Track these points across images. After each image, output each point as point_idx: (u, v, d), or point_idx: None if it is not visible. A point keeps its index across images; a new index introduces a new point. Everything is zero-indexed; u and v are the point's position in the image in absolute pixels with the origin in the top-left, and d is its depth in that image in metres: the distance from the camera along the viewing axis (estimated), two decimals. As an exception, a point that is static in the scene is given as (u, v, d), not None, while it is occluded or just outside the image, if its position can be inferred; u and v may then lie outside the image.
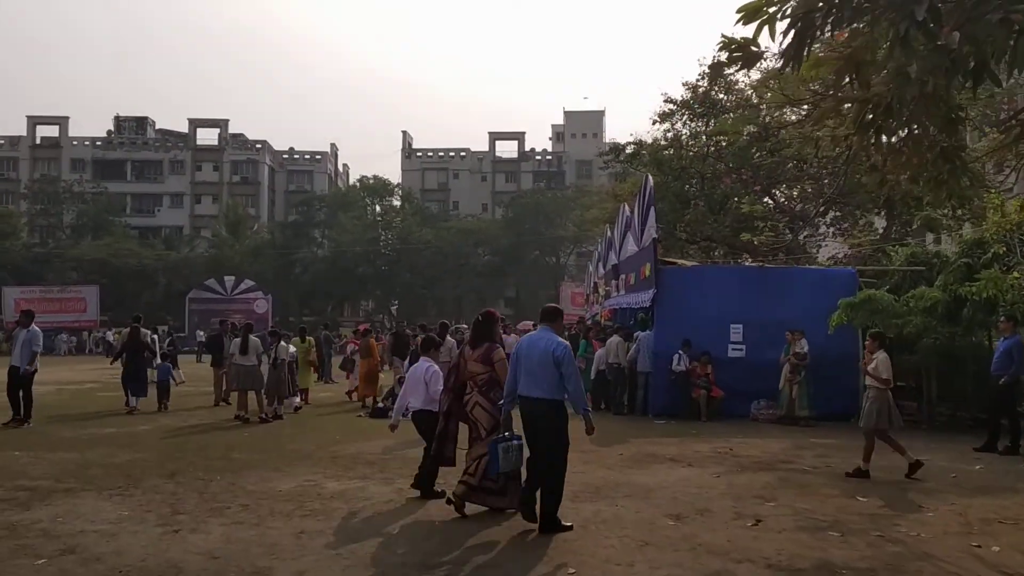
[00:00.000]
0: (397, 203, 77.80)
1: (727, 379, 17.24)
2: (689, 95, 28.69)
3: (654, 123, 29.35)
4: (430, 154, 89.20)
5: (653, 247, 17.94)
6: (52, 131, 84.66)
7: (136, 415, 16.91)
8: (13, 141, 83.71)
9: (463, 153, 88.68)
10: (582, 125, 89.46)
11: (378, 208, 77.32)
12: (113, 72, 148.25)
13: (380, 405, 17.47)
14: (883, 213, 22.85)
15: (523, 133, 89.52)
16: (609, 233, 30.01)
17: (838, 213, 25.89)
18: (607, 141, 37.28)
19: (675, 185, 27.58)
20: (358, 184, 78.87)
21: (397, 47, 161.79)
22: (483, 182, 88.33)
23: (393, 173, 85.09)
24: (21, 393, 15.04)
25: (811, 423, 16.14)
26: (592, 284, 40.78)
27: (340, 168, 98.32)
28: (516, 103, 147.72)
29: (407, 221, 71.74)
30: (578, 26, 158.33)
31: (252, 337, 16.25)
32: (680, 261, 20.05)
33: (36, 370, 15.17)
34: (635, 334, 18.69)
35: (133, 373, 17.56)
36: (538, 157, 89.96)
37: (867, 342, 11.20)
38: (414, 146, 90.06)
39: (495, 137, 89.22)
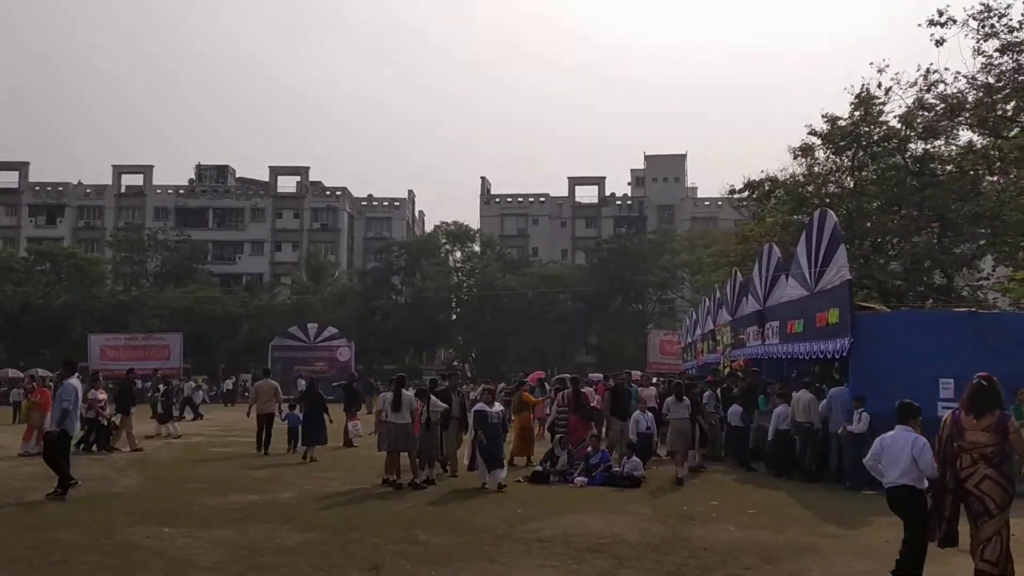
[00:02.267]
0: (477, 249, 76.51)
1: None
2: (827, 128, 26.57)
3: (795, 157, 27.26)
4: (509, 199, 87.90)
5: (847, 290, 15.76)
6: (136, 180, 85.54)
7: (268, 474, 15.24)
8: (99, 190, 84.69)
9: (542, 198, 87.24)
10: (663, 169, 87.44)
11: (458, 254, 76.04)
12: (194, 121, 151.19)
13: (539, 468, 15.46)
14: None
15: (603, 178, 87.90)
16: (739, 277, 27.92)
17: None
18: (730, 185, 35.14)
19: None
20: (438, 230, 77.66)
21: (478, 92, 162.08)
22: (563, 227, 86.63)
23: (469, 219, 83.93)
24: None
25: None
26: (701, 332, 38.62)
27: (417, 215, 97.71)
28: (595, 148, 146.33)
29: (489, 267, 70.21)
30: (664, 69, 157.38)
31: (405, 392, 14.44)
32: (873, 306, 17.76)
33: (64, 431, 12.83)
34: (824, 389, 16.47)
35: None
36: (618, 202, 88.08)
37: None
38: (492, 191, 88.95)
39: (575, 182, 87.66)
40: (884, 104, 25.16)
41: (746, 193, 30.35)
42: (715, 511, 11.99)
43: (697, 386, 19.19)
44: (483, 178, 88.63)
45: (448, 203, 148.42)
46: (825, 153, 26.47)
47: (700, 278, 53.82)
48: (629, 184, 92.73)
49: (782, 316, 20.91)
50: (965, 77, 20.94)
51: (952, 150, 24.11)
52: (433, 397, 15.00)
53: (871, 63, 32.00)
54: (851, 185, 26.37)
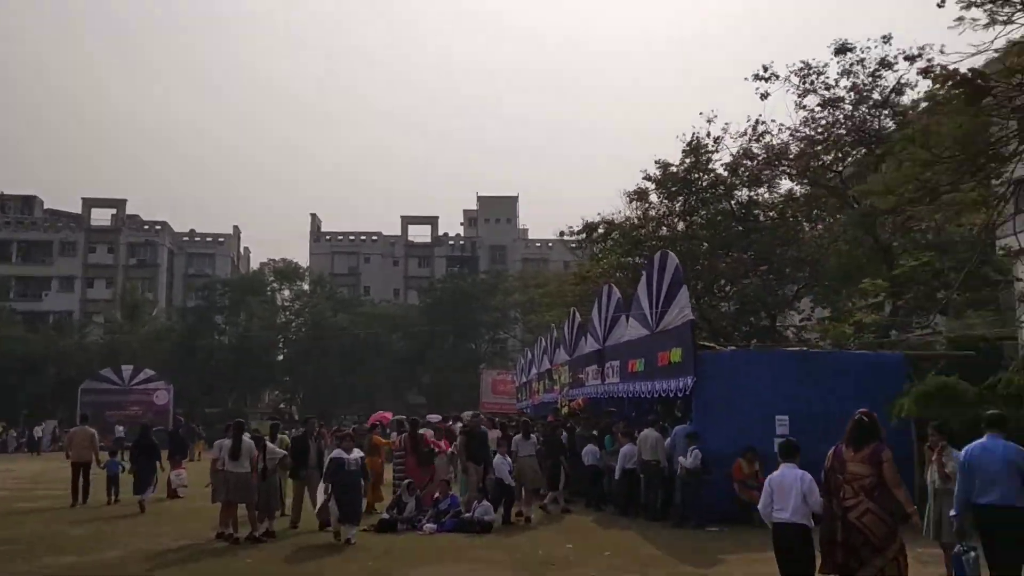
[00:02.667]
0: (306, 287, 74.50)
1: (773, 477, 15.40)
2: (660, 173, 27.54)
3: (630, 201, 28.02)
4: (340, 237, 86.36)
5: (690, 329, 16.14)
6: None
7: (89, 531, 13.87)
8: None
9: (374, 236, 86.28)
10: (496, 210, 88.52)
11: (287, 292, 73.79)
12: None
13: (386, 516, 14.83)
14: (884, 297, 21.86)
15: (436, 217, 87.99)
16: (577, 317, 28.30)
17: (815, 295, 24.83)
18: (569, 226, 35.67)
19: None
20: (265, 267, 75.21)
21: (304, 125, 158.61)
22: (395, 266, 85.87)
23: (298, 257, 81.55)
24: None
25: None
26: (537, 372, 38.93)
27: (242, 251, 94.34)
28: (428, 187, 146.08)
29: (319, 306, 68.48)
30: (490, 112, 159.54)
31: (245, 439, 13.53)
32: (713, 345, 18.28)
33: None
34: (668, 428, 16.74)
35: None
36: (451, 242, 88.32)
37: (933, 436, 9.41)
38: (323, 229, 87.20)
39: (407, 221, 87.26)
40: (713, 152, 26.35)
41: (583, 235, 30.87)
42: (571, 555, 11.81)
43: (559, 428, 18.96)
44: (313, 215, 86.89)
45: (276, 240, 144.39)
46: (658, 197, 27.37)
47: (534, 317, 54.41)
48: (462, 224, 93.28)
49: (623, 355, 21.25)
50: (788, 129, 22.23)
51: (775, 198, 25.48)
52: (270, 444, 14.17)
53: (701, 113, 33.56)
54: (682, 229, 27.33)
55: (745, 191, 26.89)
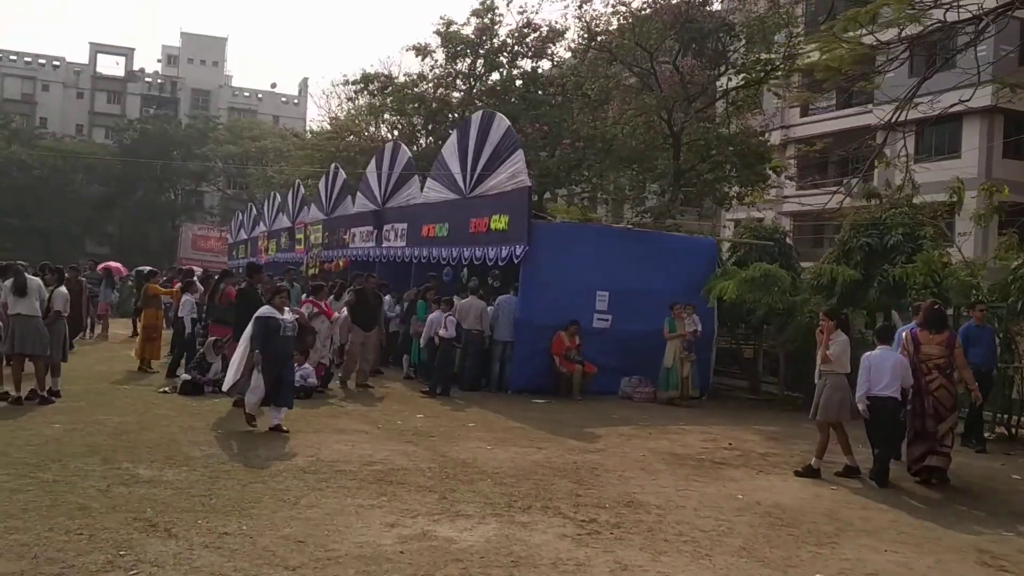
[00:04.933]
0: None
1: (590, 352, 15.38)
2: (443, 29, 26.01)
3: (421, 56, 26.13)
4: (12, 57, 74.48)
5: (527, 197, 15.33)
6: None
7: None
8: None
9: (56, 62, 75.39)
10: (201, 51, 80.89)
11: (-57, 114, 62.84)
12: None
13: (188, 377, 12.81)
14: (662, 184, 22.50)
15: (132, 49, 78.87)
16: (340, 174, 26.44)
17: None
18: (343, 75, 32.86)
19: (438, 129, 24.92)
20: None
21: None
22: (79, 99, 75.93)
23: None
24: None
25: (698, 404, 14.97)
26: (267, 229, 36.55)
27: None
28: (122, 12, 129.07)
29: (-10, 133, 59.12)
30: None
31: (30, 276, 10.89)
32: (545, 216, 17.58)
33: None
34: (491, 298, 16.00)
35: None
36: (148, 79, 79.56)
37: (823, 321, 9.79)
38: (-10, 45, 74.80)
39: (97, 49, 77.14)
40: (502, 16, 25.26)
41: (359, 85, 28.58)
42: (434, 427, 10.85)
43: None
44: (-22, 26, 74.13)
45: None
46: (444, 56, 25.86)
47: (255, 171, 50.47)
48: (159, 61, 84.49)
49: (413, 219, 20.09)
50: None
51: (566, 71, 24.95)
52: (62, 289, 11.59)
53: None
54: (462, 93, 26.20)
55: (528, 62, 26.18)
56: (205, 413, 10.83)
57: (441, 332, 14.56)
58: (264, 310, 9.89)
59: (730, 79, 21.95)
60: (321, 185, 28.08)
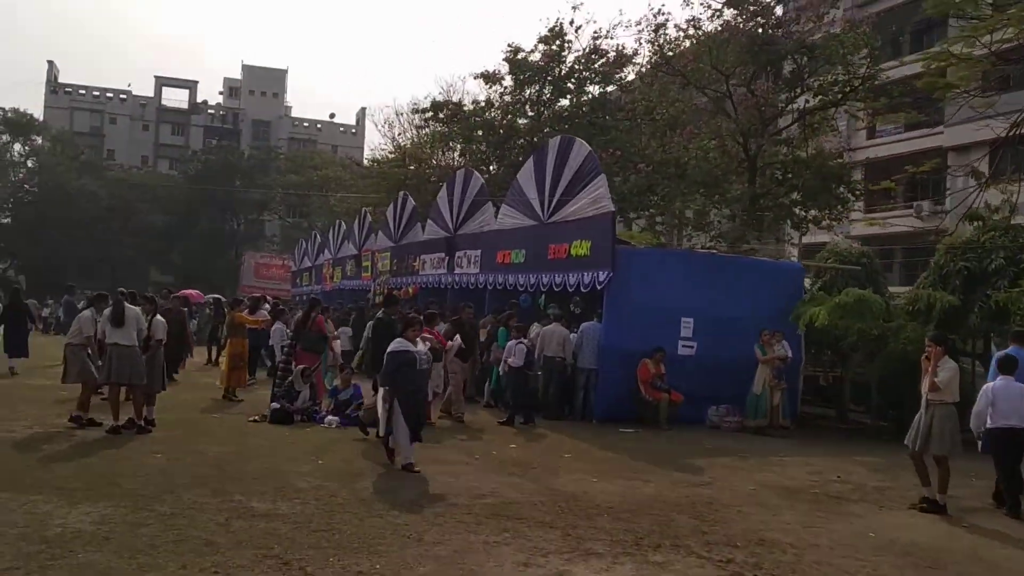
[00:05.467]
0: (39, 141, 65.45)
1: (675, 379, 15.02)
2: (510, 57, 26.02)
3: (488, 83, 26.18)
4: (82, 92, 76.64)
5: (610, 222, 15.09)
6: None
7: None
8: None
9: (123, 95, 77.45)
10: (262, 83, 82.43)
11: (17, 148, 64.60)
12: None
13: (277, 405, 12.73)
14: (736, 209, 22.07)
15: (196, 82, 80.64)
16: (409, 201, 26.47)
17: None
18: (412, 103, 33.04)
19: (516, 157, 24.82)
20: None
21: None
22: (145, 131, 77.86)
23: (31, 109, 71.03)
24: None
25: (788, 434, 14.51)
26: (332, 257, 36.71)
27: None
28: (189, 47, 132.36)
29: (61, 167, 60.54)
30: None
31: (129, 305, 10.96)
32: (628, 241, 17.34)
33: None
34: (574, 324, 15.77)
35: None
36: (211, 111, 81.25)
37: (929, 347, 9.27)
38: (61, 80, 76.95)
39: (162, 82, 79.08)
40: (570, 43, 25.18)
41: (429, 113, 28.69)
42: (533, 457, 10.63)
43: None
44: (50, 62, 76.35)
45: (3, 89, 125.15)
46: (514, 82, 25.84)
47: (317, 200, 50.77)
48: (221, 93, 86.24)
49: (487, 245, 20.00)
50: (689, 26, 21.25)
51: (639, 95, 24.76)
52: (160, 318, 11.65)
53: None
54: (529, 119, 26.16)
55: (596, 87, 26.05)
56: (301, 443, 10.74)
57: (510, 361, 14.40)
58: (397, 344, 9.31)
59: (807, 101, 21.55)
60: (389, 213, 28.16)
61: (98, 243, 60.70)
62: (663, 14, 20.97)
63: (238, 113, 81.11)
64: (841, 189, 21.05)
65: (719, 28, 20.47)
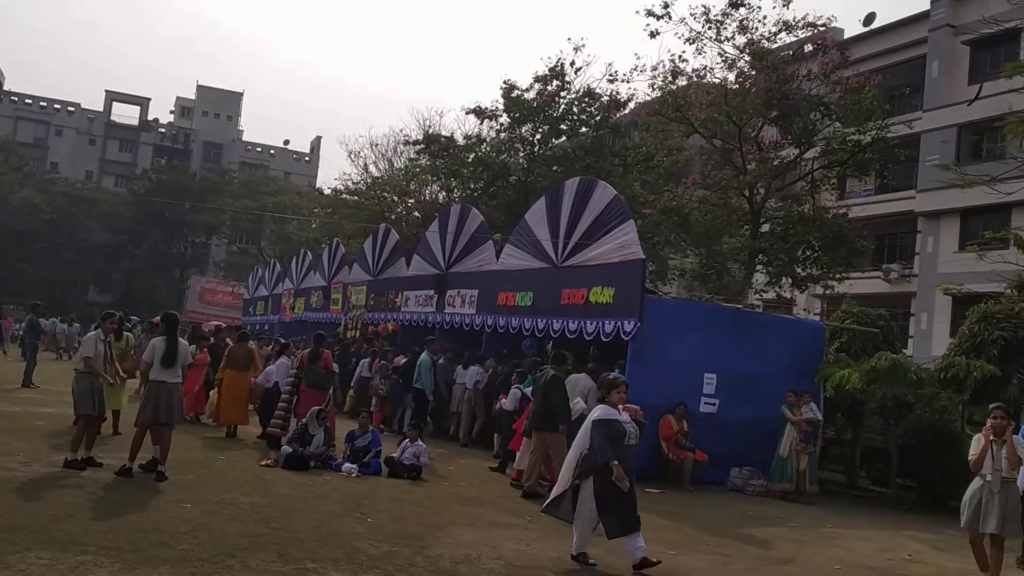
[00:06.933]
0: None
1: (696, 438, 14.37)
2: (504, 92, 25.51)
3: (483, 118, 25.52)
4: (28, 101, 73.92)
5: (640, 269, 14.48)
6: None
7: None
8: None
9: (71, 107, 74.89)
10: (216, 104, 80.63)
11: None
12: None
13: (290, 450, 11.69)
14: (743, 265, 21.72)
15: (148, 99, 78.22)
16: (392, 235, 25.60)
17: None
18: (403, 134, 32.05)
19: (508, 195, 24.17)
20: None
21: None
22: (91, 146, 75.22)
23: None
24: None
25: (813, 499, 13.93)
26: (294, 287, 35.46)
27: None
28: (139, 63, 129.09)
29: (5, 176, 58.02)
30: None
31: (182, 340, 9.94)
32: (655, 290, 16.68)
33: None
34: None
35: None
36: (162, 129, 79.11)
37: (999, 419, 8.73)
38: (6, 87, 74.19)
39: (113, 97, 76.75)
40: (570, 84, 24.78)
41: (421, 146, 27.88)
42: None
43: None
44: (-4, 68, 73.80)
45: None
46: (507, 120, 25.28)
47: (289, 229, 49.23)
48: (172, 112, 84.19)
49: (486, 285, 19.26)
50: (704, 72, 20.90)
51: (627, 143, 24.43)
52: (182, 340, 10.55)
53: (569, 39, 31.67)
54: (522, 158, 25.62)
55: (590, 131, 25.64)
56: (331, 494, 9.78)
57: (504, 403, 13.83)
58: (603, 411, 7.73)
59: (815, 157, 21.40)
60: (367, 245, 27.24)
61: (38, 258, 58.30)
62: (683, 60, 20.67)
63: (190, 133, 79.12)
64: (843, 249, 20.83)
65: (736, 78, 20.23)
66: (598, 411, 7.78)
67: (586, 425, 7.81)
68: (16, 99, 73.30)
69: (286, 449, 11.77)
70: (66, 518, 7.24)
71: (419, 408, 15.22)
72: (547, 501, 8.02)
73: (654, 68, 20.87)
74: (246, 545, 6.95)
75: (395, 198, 31.32)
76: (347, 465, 11.63)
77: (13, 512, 7.27)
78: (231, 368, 13.98)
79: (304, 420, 12.14)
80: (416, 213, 30.12)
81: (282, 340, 15.23)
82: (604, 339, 14.98)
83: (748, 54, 20.17)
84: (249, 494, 9.24)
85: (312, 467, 11.52)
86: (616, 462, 7.35)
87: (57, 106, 74.35)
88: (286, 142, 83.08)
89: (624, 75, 23.03)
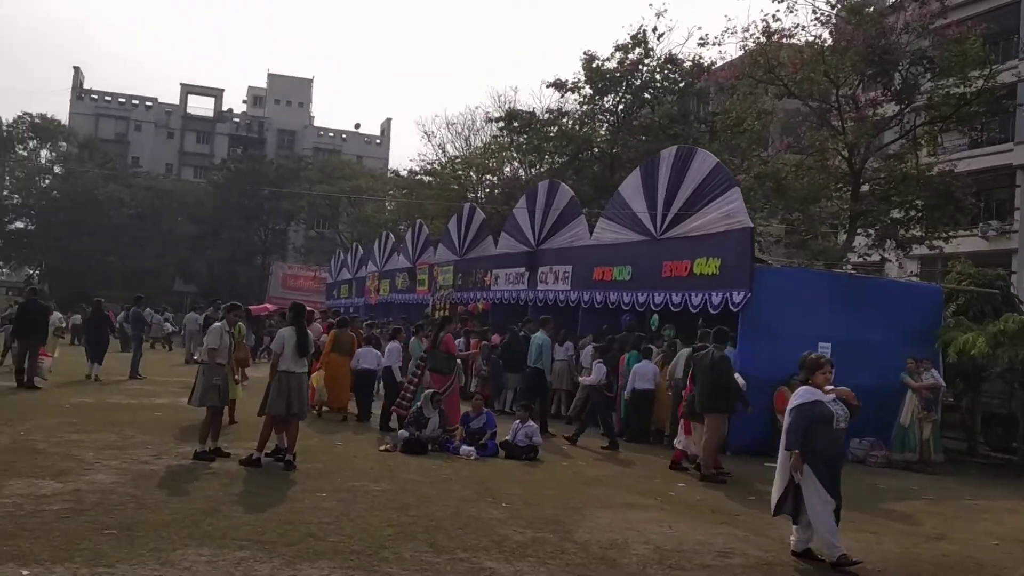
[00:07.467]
0: (64, 147, 64.48)
1: (812, 409, 13.90)
2: (585, 63, 25.03)
3: (564, 91, 25.17)
4: (108, 98, 75.75)
5: (749, 238, 14.04)
6: None
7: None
8: None
9: (149, 103, 76.53)
10: (288, 92, 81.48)
11: (44, 153, 63.74)
12: None
13: (408, 434, 11.65)
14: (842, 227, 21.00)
15: (222, 90, 79.56)
16: (476, 213, 25.44)
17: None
18: (484, 112, 31.84)
19: (594, 168, 23.80)
20: (20, 121, 63.97)
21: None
22: (170, 139, 76.85)
23: (57, 115, 69.89)
24: None
25: (939, 469, 13.40)
26: (378, 270, 35.63)
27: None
28: (210, 55, 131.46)
29: (89, 173, 59.55)
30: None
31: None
32: (765, 259, 16.21)
33: None
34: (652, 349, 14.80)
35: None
36: (236, 120, 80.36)
37: None
38: (86, 86, 76.11)
39: (188, 90, 78.20)
40: (652, 51, 24.18)
41: (502, 123, 27.63)
42: (715, 500, 9.56)
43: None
44: (76, 68, 75.58)
45: (27, 93, 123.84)
46: (589, 92, 24.83)
47: (368, 212, 49.55)
48: (245, 102, 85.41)
49: (580, 260, 18.99)
50: (800, 32, 20.18)
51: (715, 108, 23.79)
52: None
53: (651, 3, 30.97)
54: (607, 129, 25.16)
55: (673, 98, 25.03)
56: (456, 479, 9.68)
57: (582, 379, 13.96)
58: (805, 393, 7.11)
59: (918, 114, 20.48)
60: (452, 224, 27.13)
61: (123, 251, 59.80)
62: (777, 19, 19.93)
63: (263, 122, 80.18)
64: (950, 207, 19.95)
65: (830, 35, 19.45)
66: (801, 394, 7.16)
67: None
68: (96, 96, 75.16)
69: (403, 433, 11.76)
70: (212, 512, 7.24)
71: (537, 388, 14.94)
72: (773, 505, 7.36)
73: (745, 29, 20.12)
74: (393, 535, 6.85)
75: (475, 176, 31.08)
76: (465, 448, 11.54)
77: (160, 507, 7.30)
78: (336, 352, 14.03)
79: (418, 403, 12.10)
80: (496, 191, 29.83)
81: (395, 326, 15.22)
82: (712, 311, 14.63)
83: (844, 8, 19.32)
84: (378, 480, 9.19)
85: (430, 450, 11.46)
86: (797, 451, 6.86)
87: (135, 102, 76.02)
88: (357, 125, 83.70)
89: (716, 38, 22.35)
